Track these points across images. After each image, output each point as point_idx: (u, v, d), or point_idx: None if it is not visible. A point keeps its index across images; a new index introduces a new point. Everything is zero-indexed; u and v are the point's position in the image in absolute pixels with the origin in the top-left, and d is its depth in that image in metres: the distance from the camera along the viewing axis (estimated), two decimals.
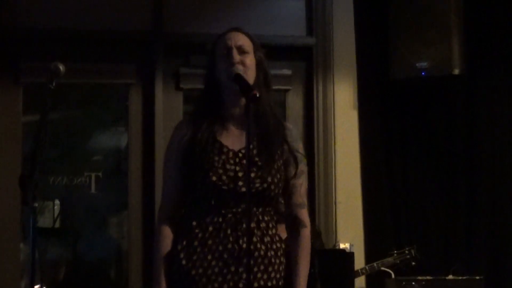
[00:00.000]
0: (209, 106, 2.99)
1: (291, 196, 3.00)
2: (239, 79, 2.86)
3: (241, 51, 2.97)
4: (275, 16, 5.65)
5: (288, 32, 5.65)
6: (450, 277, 5.06)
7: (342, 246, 5.23)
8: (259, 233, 2.89)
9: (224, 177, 2.87)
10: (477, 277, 5.05)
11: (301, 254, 2.98)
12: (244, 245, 2.80)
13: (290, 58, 5.65)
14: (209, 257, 2.85)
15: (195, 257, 2.86)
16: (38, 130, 2.71)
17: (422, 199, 5.66)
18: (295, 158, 2.99)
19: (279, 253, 2.94)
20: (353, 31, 5.64)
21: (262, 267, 2.88)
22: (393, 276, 5.09)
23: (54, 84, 2.78)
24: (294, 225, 3.01)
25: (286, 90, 5.66)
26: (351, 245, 5.23)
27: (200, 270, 2.85)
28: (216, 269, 2.84)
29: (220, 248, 2.85)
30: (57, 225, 5.68)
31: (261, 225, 2.90)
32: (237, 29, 3.04)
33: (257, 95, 2.74)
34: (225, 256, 2.84)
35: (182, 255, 2.88)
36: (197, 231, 2.88)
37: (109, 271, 5.91)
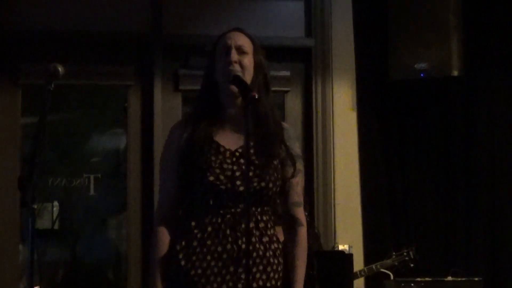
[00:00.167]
0: (206, 106, 2.99)
1: (287, 195, 3.00)
2: (238, 80, 2.86)
3: (241, 51, 2.97)
4: (274, 17, 5.66)
5: (287, 34, 5.65)
6: (449, 278, 5.06)
7: (341, 247, 5.23)
8: (257, 233, 2.89)
9: (221, 177, 2.87)
10: (476, 279, 5.05)
11: (298, 253, 2.98)
12: (243, 246, 2.80)
13: (289, 59, 5.66)
14: (208, 257, 2.85)
15: (194, 258, 2.86)
16: (37, 131, 2.71)
17: (421, 201, 5.67)
18: (292, 157, 2.99)
19: (277, 253, 2.94)
20: (352, 33, 5.65)
21: (261, 267, 2.88)
22: (392, 277, 5.09)
23: (53, 85, 2.78)
24: (291, 224, 3.01)
25: (285, 92, 5.66)
26: (350, 247, 5.22)
27: (199, 271, 2.85)
28: (215, 270, 2.84)
29: (219, 248, 2.85)
30: (56, 226, 5.67)
31: (259, 225, 2.91)
32: (238, 30, 3.04)
33: (256, 97, 2.74)
34: (224, 256, 2.84)
35: (181, 256, 2.88)
36: (196, 231, 2.88)
37: (108, 273, 5.91)
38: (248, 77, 2.93)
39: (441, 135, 5.72)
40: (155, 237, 2.95)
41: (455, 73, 5.39)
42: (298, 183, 3.01)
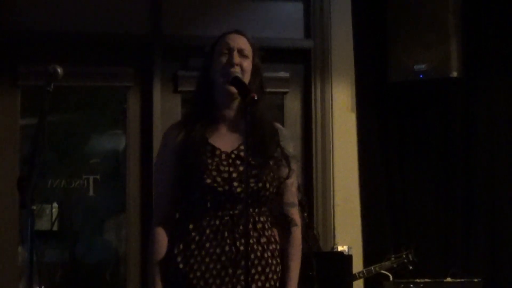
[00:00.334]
0: (202, 107, 2.99)
1: (282, 195, 3.00)
2: (238, 81, 2.86)
3: (242, 54, 2.98)
4: (273, 18, 5.66)
5: (286, 35, 5.66)
6: (449, 279, 5.06)
7: (340, 248, 5.23)
8: (255, 234, 2.90)
9: (218, 179, 2.87)
10: (476, 280, 5.06)
11: (293, 253, 2.98)
12: (242, 247, 2.81)
13: (288, 60, 5.66)
14: (207, 259, 2.85)
15: (192, 260, 2.86)
16: (36, 132, 2.70)
17: (420, 201, 5.67)
18: (287, 158, 2.99)
19: (275, 254, 2.94)
20: (351, 34, 5.65)
21: (259, 269, 2.88)
22: (391, 278, 5.09)
23: (52, 86, 2.78)
24: (285, 224, 3.01)
25: (284, 93, 5.67)
26: (349, 248, 5.22)
27: (198, 273, 2.85)
28: (214, 272, 2.84)
29: (218, 250, 2.85)
30: (55, 227, 5.67)
31: (257, 226, 2.91)
32: (239, 32, 3.04)
33: (255, 98, 2.74)
34: (223, 258, 2.84)
35: (179, 259, 2.88)
36: (194, 234, 2.88)
37: (107, 273, 5.90)
38: (246, 80, 2.94)
39: (441, 136, 5.73)
40: (152, 238, 2.94)
41: (454, 74, 5.39)
42: (292, 183, 3.02)
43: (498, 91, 5.70)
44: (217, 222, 2.87)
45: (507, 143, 5.64)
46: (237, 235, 2.85)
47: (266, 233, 2.93)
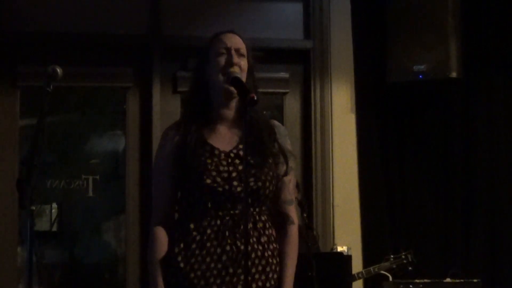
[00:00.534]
0: (198, 107, 2.99)
1: (279, 193, 3.00)
2: (238, 81, 2.86)
3: (239, 53, 2.98)
4: (272, 19, 5.66)
5: (286, 36, 5.66)
6: (448, 280, 5.06)
7: (339, 249, 5.23)
8: (256, 233, 2.90)
9: (218, 179, 2.87)
10: (475, 280, 5.05)
11: (289, 251, 2.97)
12: (242, 247, 2.81)
13: (287, 61, 5.66)
14: (208, 259, 2.85)
15: (193, 260, 2.86)
16: (35, 133, 2.71)
17: (419, 202, 5.67)
18: (285, 155, 2.99)
19: (275, 253, 2.94)
20: (351, 34, 5.65)
21: (260, 268, 2.88)
22: (390, 279, 5.09)
23: (51, 87, 2.78)
24: (282, 222, 3.01)
25: (284, 93, 5.67)
26: (348, 248, 5.23)
27: (199, 273, 2.85)
28: (215, 272, 2.84)
29: (219, 250, 2.85)
30: (54, 228, 5.67)
31: (257, 226, 2.91)
32: (233, 32, 3.05)
33: (255, 98, 2.74)
34: (224, 258, 2.84)
35: (179, 258, 2.88)
36: (195, 233, 2.88)
37: (106, 275, 5.91)
38: (244, 79, 2.94)
39: (440, 136, 5.73)
40: (153, 237, 2.94)
41: (454, 75, 5.39)
42: (290, 181, 3.02)
43: (497, 91, 5.70)
44: (218, 222, 2.87)
45: (506, 144, 5.64)
46: (237, 235, 2.85)
47: (267, 232, 2.93)
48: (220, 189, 2.87)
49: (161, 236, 2.93)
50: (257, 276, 2.87)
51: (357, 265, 5.18)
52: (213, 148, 2.93)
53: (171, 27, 5.53)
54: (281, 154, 2.98)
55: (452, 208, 5.64)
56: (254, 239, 2.88)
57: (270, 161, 2.95)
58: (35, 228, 2.64)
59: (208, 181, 2.86)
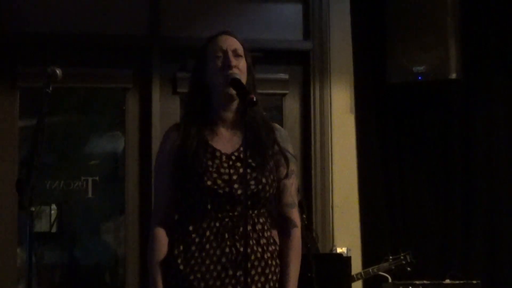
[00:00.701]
0: (198, 110, 2.99)
1: (281, 196, 3.00)
2: (237, 83, 2.86)
3: (236, 54, 2.98)
4: (272, 20, 5.66)
5: (285, 37, 5.65)
6: (447, 281, 5.06)
7: (339, 250, 5.24)
8: (255, 235, 2.90)
9: (219, 181, 2.87)
10: (474, 281, 5.05)
11: (292, 254, 2.98)
12: (242, 249, 2.81)
13: (287, 62, 5.66)
14: (207, 261, 2.85)
15: (193, 262, 2.86)
16: (35, 134, 2.70)
17: (419, 203, 5.67)
18: (286, 159, 2.99)
19: (274, 255, 2.94)
20: (350, 35, 5.65)
21: (259, 270, 2.88)
22: (390, 280, 5.09)
23: (51, 88, 2.78)
24: (285, 225, 3.01)
25: (283, 94, 5.66)
26: (348, 249, 5.23)
27: (199, 275, 2.85)
28: (215, 273, 2.84)
29: (218, 252, 2.85)
30: (54, 229, 5.67)
31: (257, 228, 2.91)
32: (228, 33, 3.04)
33: (254, 99, 2.74)
34: (223, 260, 2.85)
35: (179, 260, 2.88)
36: (194, 235, 2.88)
37: (105, 276, 5.90)
38: (243, 80, 2.94)
39: (439, 137, 5.73)
40: (153, 238, 2.94)
41: (453, 75, 5.39)
42: (292, 184, 3.02)
43: (497, 92, 5.70)
44: (217, 224, 2.87)
45: (505, 144, 5.64)
46: (237, 237, 2.85)
47: (266, 234, 2.94)
48: (220, 191, 2.87)
49: (161, 237, 2.93)
50: (256, 277, 2.87)
51: (356, 266, 5.18)
52: (214, 150, 2.93)
53: (170, 28, 5.53)
54: (282, 156, 2.98)
55: (452, 208, 5.64)
56: (254, 241, 2.88)
57: (271, 164, 2.95)
58: (34, 229, 2.64)
59: (209, 182, 2.86)
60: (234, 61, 2.94)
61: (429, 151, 5.72)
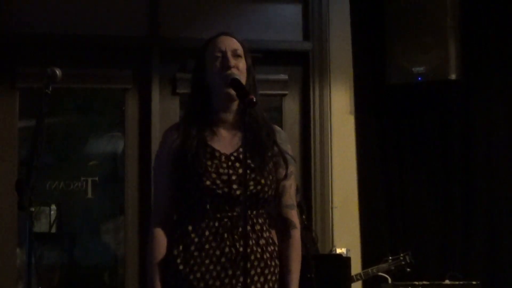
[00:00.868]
0: (198, 110, 2.99)
1: (281, 197, 3.00)
2: (236, 83, 2.86)
3: (235, 55, 2.98)
4: (271, 21, 5.66)
5: (285, 37, 5.65)
6: (447, 282, 5.06)
7: (338, 251, 5.23)
8: (254, 236, 2.90)
9: (218, 181, 2.87)
10: (474, 282, 5.05)
11: (293, 256, 2.98)
12: (241, 249, 2.81)
13: (286, 63, 5.66)
14: (207, 261, 2.85)
15: (192, 262, 2.86)
16: (34, 135, 2.70)
17: (418, 204, 5.67)
18: (285, 160, 3.00)
19: (274, 256, 2.95)
20: (350, 36, 5.65)
21: (258, 270, 2.89)
22: (389, 280, 5.09)
23: (50, 89, 2.78)
24: (284, 227, 3.01)
25: (283, 95, 5.66)
26: (347, 250, 5.22)
27: (198, 275, 2.85)
28: (214, 273, 2.85)
29: (217, 252, 2.85)
30: (53, 230, 5.66)
31: (256, 228, 2.91)
32: (228, 34, 3.05)
33: (254, 100, 2.74)
34: (223, 260, 2.85)
35: (179, 260, 2.88)
36: (193, 235, 2.88)
37: (105, 276, 5.90)
38: (243, 80, 2.94)
39: (439, 138, 5.73)
40: (152, 238, 2.94)
41: (453, 76, 5.40)
42: (291, 185, 3.03)
43: (497, 93, 5.70)
44: (216, 224, 2.87)
45: (505, 144, 5.64)
46: (236, 237, 2.85)
47: (265, 235, 2.94)
48: (219, 191, 2.87)
49: (160, 237, 2.93)
50: (256, 278, 2.88)
51: (356, 267, 5.18)
52: (214, 150, 2.93)
53: (170, 28, 5.53)
54: (281, 157, 2.98)
55: (452, 208, 5.64)
56: (253, 241, 2.89)
57: (270, 165, 2.95)
58: (34, 230, 2.64)
59: (208, 183, 2.86)
60: (233, 62, 2.94)
61: (429, 152, 5.72)
